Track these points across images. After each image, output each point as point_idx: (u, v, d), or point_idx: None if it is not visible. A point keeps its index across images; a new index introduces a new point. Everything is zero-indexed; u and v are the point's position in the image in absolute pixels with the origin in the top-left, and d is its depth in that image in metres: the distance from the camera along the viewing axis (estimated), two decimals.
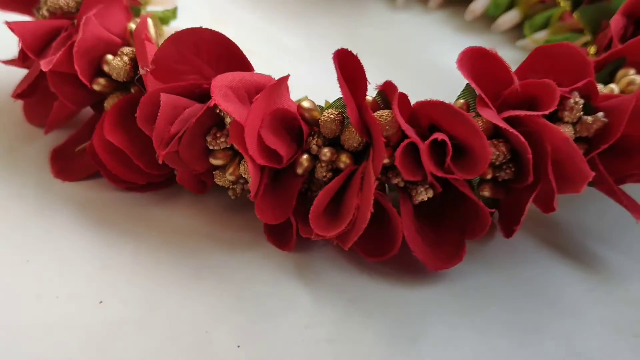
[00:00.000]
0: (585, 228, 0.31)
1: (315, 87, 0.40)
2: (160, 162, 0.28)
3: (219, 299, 0.27)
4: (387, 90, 0.27)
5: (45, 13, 0.33)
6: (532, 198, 0.27)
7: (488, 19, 0.45)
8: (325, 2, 0.48)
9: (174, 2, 0.40)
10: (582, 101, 0.28)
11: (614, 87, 0.29)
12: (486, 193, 0.29)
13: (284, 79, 0.28)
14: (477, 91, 0.27)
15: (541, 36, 0.42)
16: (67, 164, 0.33)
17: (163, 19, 0.38)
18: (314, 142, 0.28)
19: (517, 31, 0.44)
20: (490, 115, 0.27)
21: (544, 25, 0.42)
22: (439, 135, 0.26)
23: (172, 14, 0.39)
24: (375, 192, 0.27)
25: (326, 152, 0.28)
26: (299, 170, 0.28)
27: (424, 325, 0.26)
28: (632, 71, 0.30)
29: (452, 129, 0.27)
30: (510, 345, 0.26)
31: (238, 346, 0.25)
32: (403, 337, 0.26)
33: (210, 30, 0.29)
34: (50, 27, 0.33)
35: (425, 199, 0.28)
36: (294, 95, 0.29)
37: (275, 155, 0.27)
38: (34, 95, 0.34)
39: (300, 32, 0.46)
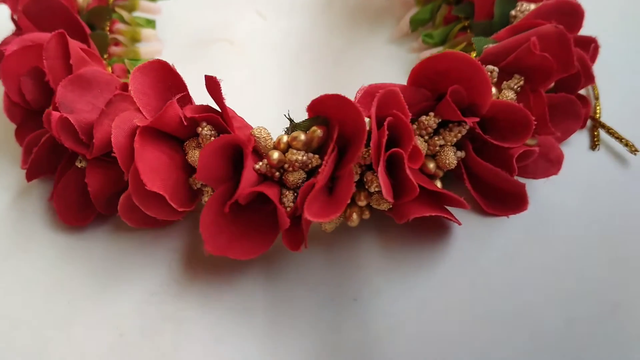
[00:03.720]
0: None
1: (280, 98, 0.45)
2: None
3: None
4: None
5: None
6: None
7: None
8: (339, 24, 0.51)
9: (159, 10, 0.49)
10: (210, 132, 0.30)
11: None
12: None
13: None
14: (135, 99, 0.31)
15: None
16: None
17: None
18: None
19: None
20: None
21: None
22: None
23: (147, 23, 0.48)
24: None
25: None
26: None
27: None
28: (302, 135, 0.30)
29: None
30: None
31: None
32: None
33: (60, 1, 0.39)
34: None
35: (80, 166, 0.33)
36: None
37: (24, 98, 0.36)
38: None
39: (295, 43, 0.50)
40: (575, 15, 0.36)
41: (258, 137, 0.30)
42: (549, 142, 0.34)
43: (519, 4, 0.38)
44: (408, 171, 0.29)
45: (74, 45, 0.34)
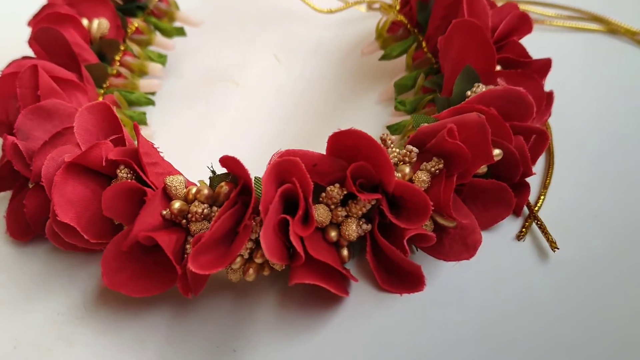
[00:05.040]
0: None
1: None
2: None
3: None
4: None
5: None
6: None
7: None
8: (345, 77, 0.53)
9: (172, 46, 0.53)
10: (127, 175, 0.33)
11: None
12: None
13: None
14: (76, 135, 0.35)
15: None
16: None
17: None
18: None
19: None
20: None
21: None
22: None
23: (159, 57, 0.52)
24: None
25: None
26: None
27: None
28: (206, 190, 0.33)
29: None
30: None
31: None
32: None
33: (60, 33, 0.43)
34: None
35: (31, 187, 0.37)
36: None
37: (8, 118, 0.41)
38: None
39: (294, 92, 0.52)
40: (522, 105, 0.36)
41: (169, 186, 0.32)
42: (470, 225, 0.35)
43: (476, 85, 0.38)
44: (292, 236, 0.30)
45: (45, 77, 0.38)
